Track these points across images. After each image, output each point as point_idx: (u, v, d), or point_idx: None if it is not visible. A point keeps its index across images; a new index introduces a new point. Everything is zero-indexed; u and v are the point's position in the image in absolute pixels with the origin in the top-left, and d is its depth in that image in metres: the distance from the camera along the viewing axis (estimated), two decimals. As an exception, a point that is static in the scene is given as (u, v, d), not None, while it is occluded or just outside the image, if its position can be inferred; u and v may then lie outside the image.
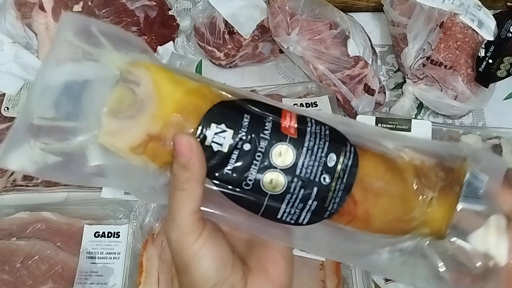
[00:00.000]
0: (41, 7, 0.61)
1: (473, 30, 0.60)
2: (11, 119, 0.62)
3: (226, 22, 0.64)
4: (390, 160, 0.31)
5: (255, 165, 0.28)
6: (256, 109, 0.29)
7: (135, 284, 0.53)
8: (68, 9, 0.61)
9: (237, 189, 0.28)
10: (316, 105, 0.62)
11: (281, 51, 0.66)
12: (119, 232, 0.56)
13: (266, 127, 0.28)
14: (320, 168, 0.28)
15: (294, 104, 0.62)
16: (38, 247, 0.54)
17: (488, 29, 0.61)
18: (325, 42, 0.60)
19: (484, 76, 0.59)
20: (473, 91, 0.60)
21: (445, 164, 0.31)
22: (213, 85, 0.30)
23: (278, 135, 0.28)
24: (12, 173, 0.60)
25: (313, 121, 0.30)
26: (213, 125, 0.27)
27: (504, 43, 0.59)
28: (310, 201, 0.29)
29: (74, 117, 0.28)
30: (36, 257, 0.53)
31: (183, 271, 0.28)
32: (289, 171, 0.28)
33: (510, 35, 0.60)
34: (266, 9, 0.64)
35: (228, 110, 0.28)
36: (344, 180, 0.29)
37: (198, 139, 0.27)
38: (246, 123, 0.28)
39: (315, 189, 0.28)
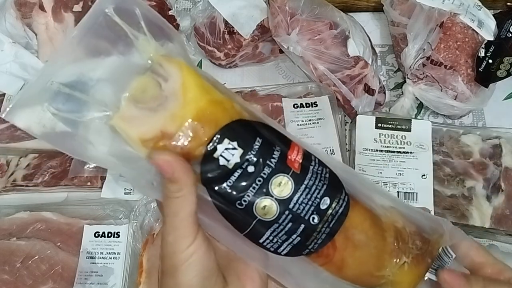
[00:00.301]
0: (41, 7, 0.61)
1: (473, 30, 0.60)
2: (11, 119, 0.62)
3: (226, 22, 0.64)
4: (376, 217, 0.32)
5: (254, 188, 0.28)
6: (269, 135, 0.30)
7: (135, 284, 0.53)
8: (68, 9, 0.61)
9: (230, 206, 0.29)
10: (316, 105, 0.62)
11: (281, 51, 0.66)
12: (119, 232, 0.56)
13: (273, 155, 0.29)
14: (313, 208, 0.29)
15: (294, 104, 0.62)
16: (38, 247, 0.54)
17: (488, 29, 0.61)
18: (325, 42, 0.60)
19: (484, 76, 0.59)
20: (473, 91, 0.60)
21: (423, 234, 0.33)
22: (236, 100, 0.30)
23: (283, 166, 0.29)
24: (12, 173, 0.60)
25: (317, 160, 0.31)
26: (226, 140, 0.28)
27: (504, 43, 0.59)
28: (295, 235, 0.29)
29: (94, 92, 0.28)
30: (36, 257, 0.53)
31: (171, 274, 0.28)
32: (283, 202, 0.29)
33: (510, 35, 0.60)
34: (266, 9, 0.64)
35: (243, 129, 0.29)
36: (331, 225, 0.30)
37: (208, 150, 0.28)
38: (257, 146, 0.29)
39: (302, 226, 0.29)
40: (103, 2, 0.27)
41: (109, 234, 0.55)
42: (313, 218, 0.29)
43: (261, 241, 0.30)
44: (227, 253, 0.32)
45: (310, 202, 0.29)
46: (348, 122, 0.64)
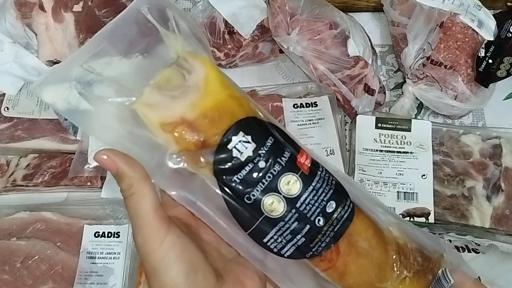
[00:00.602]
0: (41, 7, 0.61)
1: (473, 30, 0.60)
2: (11, 119, 0.62)
3: (226, 22, 0.64)
4: (379, 229, 0.32)
5: (263, 183, 0.29)
6: (280, 137, 0.31)
7: (135, 284, 0.53)
8: (68, 9, 0.61)
9: (238, 200, 0.29)
10: (316, 105, 0.62)
11: (281, 51, 0.66)
12: (119, 232, 0.56)
13: (284, 155, 0.30)
14: (319, 209, 0.30)
15: (294, 104, 0.62)
16: (38, 247, 0.54)
17: (488, 29, 0.61)
18: (325, 42, 0.60)
19: (484, 76, 0.59)
20: (473, 91, 0.60)
21: (424, 252, 0.33)
22: (252, 101, 0.32)
23: (293, 165, 0.30)
24: (12, 173, 0.60)
25: (324, 168, 0.32)
26: (241, 133, 0.29)
27: (504, 43, 0.59)
28: (299, 235, 0.30)
29: (120, 78, 0.29)
30: (36, 257, 0.53)
31: (152, 275, 0.27)
32: (290, 201, 0.29)
33: (510, 35, 0.60)
34: (266, 9, 0.64)
35: (258, 126, 0.30)
36: (336, 229, 0.30)
37: (224, 140, 0.29)
38: (269, 143, 0.30)
39: (308, 226, 0.30)
40: (139, 1, 0.30)
41: (109, 234, 0.55)
42: (319, 220, 0.30)
43: (265, 240, 0.30)
44: (222, 255, 0.32)
45: (316, 204, 0.30)
46: (348, 122, 0.64)
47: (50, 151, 0.62)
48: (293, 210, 0.29)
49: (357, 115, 0.60)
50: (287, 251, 0.30)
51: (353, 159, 0.59)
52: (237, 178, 0.29)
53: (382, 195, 0.56)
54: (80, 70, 0.29)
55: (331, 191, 0.30)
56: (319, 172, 0.31)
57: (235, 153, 0.29)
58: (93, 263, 0.54)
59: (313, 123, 0.61)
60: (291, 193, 0.29)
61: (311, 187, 0.30)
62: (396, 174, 0.57)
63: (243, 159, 0.29)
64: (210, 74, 0.30)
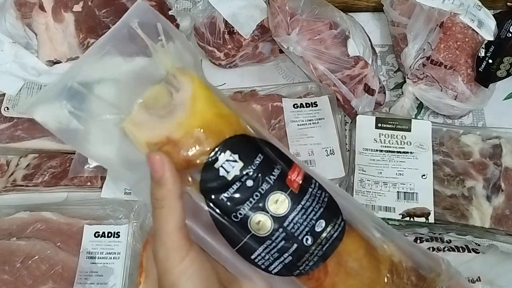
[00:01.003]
0: (41, 7, 0.61)
1: (473, 30, 0.60)
2: (11, 119, 0.62)
3: (226, 22, 0.64)
4: (371, 247, 0.32)
5: (250, 202, 0.29)
6: (271, 153, 0.30)
7: (135, 284, 0.52)
8: (68, 9, 0.61)
9: (226, 217, 0.29)
10: (316, 105, 0.62)
11: (281, 51, 0.66)
12: (119, 232, 0.56)
13: (273, 173, 0.29)
14: (307, 229, 0.29)
15: (294, 104, 0.62)
16: (38, 247, 0.54)
17: (488, 29, 0.61)
18: (325, 42, 0.60)
19: (484, 76, 0.59)
20: (473, 91, 0.60)
21: (420, 271, 0.32)
22: (242, 117, 0.31)
23: (281, 184, 0.29)
24: (12, 173, 0.60)
25: (317, 183, 0.31)
26: (228, 152, 0.29)
27: (504, 43, 0.59)
28: (286, 254, 0.30)
29: (110, 96, 0.30)
30: (36, 257, 0.53)
31: None
32: (278, 220, 0.29)
33: (510, 35, 0.60)
34: (266, 9, 0.64)
35: (246, 144, 0.30)
36: (324, 248, 0.30)
37: (210, 159, 0.29)
38: (258, 162, 0.29)
39: (295, 245, 0.29)
40: (129, 16, 0.30)
41: (109, 234, 0.55)
42: (307, 239, 0.29)
43: (252, 257, 0.30)
44: (226, 270, 0.32)
45: (305, 223, 0.29)
46: (348, 122, 0.64)
47: (50, 151, 0.62)
48: (280, 229, 0.29)
49: (357, 115, 0.60)
50: (274, 268, 0.30)
51: (353, 159, 0.59)
52: (224, 196, 0.29)
53: (382, 195, 0.56)
54: (69, 89, 0.29)
55: (321, 209, 0.30)
56: (310, 190, 0.30)
57: (222, 172, 0.29)
58: (93, 263, 0.54)
59: (313, 123, 0.61)
60: (279, 212, 0.29)
61: (300, 206, 0.29)
62: (396, 174, 0.57)
63: (230, 178, 0.29)
64: (197, 92, 0.29)
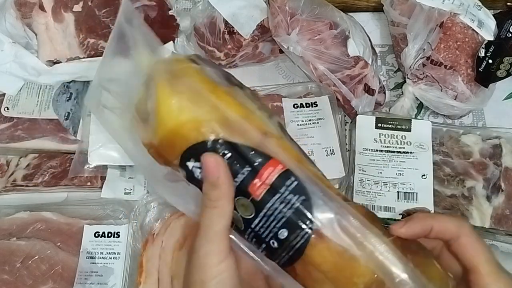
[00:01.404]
0: (41, 7, 0.61)
1: (473, 30, 0.60)
2: (11, 119, 0.62)
3: (226, 22, 0.64)
4: (349, 258, 0.29)
5: None
6: (239, 155, 0.30)
7: (135, 284, 0.53)
8: (68, 9, 0.61)
9: None
10: (316, 105, 0.62)
11: (281, 51, 0.66)
12: (119, 232, 0.56)
13: (236, 179, 0.30)
14: (271, 234, 0.30)
15: (294, 104, 0.62)
16: (38, 247, 0.54)
17: (488, 29, 0.61)
18: (325, 42, 0.60)
19: (484, 76, 0.59)
20: (473, 91, 0.60)
21: None
22: (219, 110, 0.31)
23: (244, 190, 0.30)
24: (12, 173, 0.60)
25: (292, 185, 0.30)
26: (192, 159, 0.30)
27: (504, 43, 0.59)
28: (261, 249, 0.31)
29: (120, 95, 0.34)
30: (36, 257, 0.53)
31: (197, 286, 0.29)
32: (247, 221, 0.30)
33: (510, 35, 0.60)
34: (266, 9, 0.63)
35: (208, 150, 0.30)
36: (289, 254, 0.30)
37: (181, 163, 0.31)
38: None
39: (264, 245, 0.31)
40: (120, 13, 0.32)
41: (109, 234, 0.55)
42: (273, 242, 0.30)
43: (245, 237, 0.32)
44: (248, 269, 0.33)
45: (268, 229, 0.30)
46: (348, 122, 0.64)
47: (50, 151, 0.62)
48: (249, 230, 0.30)
49: (357, 115, 0.60)
50: (262, 251, 0.32)
51: (353, 159, 0.59)
52: None
53: (382, 195, 0.56)
54: (101, 85, 0.34)
55: (284, 218, 0.30)
56: (276, 196, 0.30)
57: (195, 174, 0.31)
58: (93, 263, 0.54)
59: (313, 123, 0.61)
60: (246, 215, 0.30)
61: (262, 213, 0.30)
62: (396, 174, 0.57)
63: (202, 180, 0.30)
64: (160, 103, 0.30)
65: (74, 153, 0.60)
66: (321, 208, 0.30)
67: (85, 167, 0.59)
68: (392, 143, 0.58)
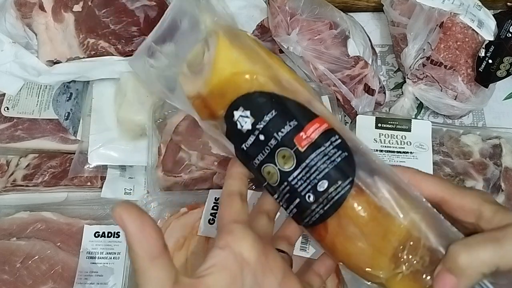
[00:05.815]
0: (41, 7, 0.61)
1: (473, 30, 0.60)
2: (11, 119, 0.62)
3: (226, 22, 0.64)
4: (385, 215, 0.30)
5: (263, 154, 0.32)
6: (287, 109, 0.32)
7: (135, 284, 0.52)
8: (68, 9, 0.61)
9: (249, 163, 0.33)
10: (316, 105, 0.62)
11: (281, 51, 0.66)
12: (119, 232, 0.56)
13: (283, 130, 0.31)
14: (310, 187, 0.31)
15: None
16: (38, 247, 0.54)
17: (488, 29, 0.61)
18: (325, 42, 0.60)
19: (484, 76, 0.59)
20: (473, 91, 0.60)
21: (439, 255, 0.30)
22: (272, 69, 0.34)
23: (289, 141, 0.31)
24: (12, 173, 0.60)
25: (336, 142, 0.31)
26: (240, 108, 0.32)
27: (504, 43, 0.59)
28: (292, 206, 0.32)
29: (174, 52, 0.38)
30: (36, 257, 0.53)
31: (227, 231, 0.30)
32: (284, 174, 0.31)
33: (510, 35, 0.60)
34: (266, 9, 0.64)
35: (259, 100, 0.32)
36: (325, 208, 0.31)
37: (227, 113, 0.33)
38: (269, 118, 0.31)
39: (298, 200, 0.31)
40: None
41: (109, 234, 0.55)
42: (309, 196, 0.31)
43: (275, 197, 0.33)
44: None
45: (308, 181, 0.31)
46: (348, 122, 0.64)
47: (50, 151, 0.62)
48: (285, 183, 0.31)
49: (357, 115, 0.60)
50: (289, 212, 0.33)
51: (353, 159, 0.59)
52: (244, 147, 0.32)
53: (382, 195, 0.56)
54: (150, 47, 0.38)
55: (327, 169, 0.31)
56: (320, 149, 0.31)
57: (238, 126, 0.32)
58: (93, 263, 0.54)
59: (313, 123, 0.61)
60: (285, 167, 0.31)
61: (304, 164, 0.31)
62: (396, 174, 0.57)
63: (244, 131, 0.32)
64: (219, 52, 0.33)
65: (74, 153, 0.60)
66: (362, 165, 0.31)
67: (85, 167, 0.59)
68: (392, 143, 0.58)
